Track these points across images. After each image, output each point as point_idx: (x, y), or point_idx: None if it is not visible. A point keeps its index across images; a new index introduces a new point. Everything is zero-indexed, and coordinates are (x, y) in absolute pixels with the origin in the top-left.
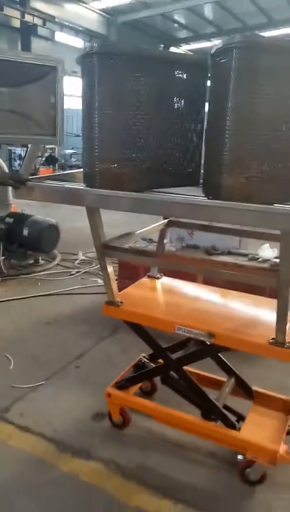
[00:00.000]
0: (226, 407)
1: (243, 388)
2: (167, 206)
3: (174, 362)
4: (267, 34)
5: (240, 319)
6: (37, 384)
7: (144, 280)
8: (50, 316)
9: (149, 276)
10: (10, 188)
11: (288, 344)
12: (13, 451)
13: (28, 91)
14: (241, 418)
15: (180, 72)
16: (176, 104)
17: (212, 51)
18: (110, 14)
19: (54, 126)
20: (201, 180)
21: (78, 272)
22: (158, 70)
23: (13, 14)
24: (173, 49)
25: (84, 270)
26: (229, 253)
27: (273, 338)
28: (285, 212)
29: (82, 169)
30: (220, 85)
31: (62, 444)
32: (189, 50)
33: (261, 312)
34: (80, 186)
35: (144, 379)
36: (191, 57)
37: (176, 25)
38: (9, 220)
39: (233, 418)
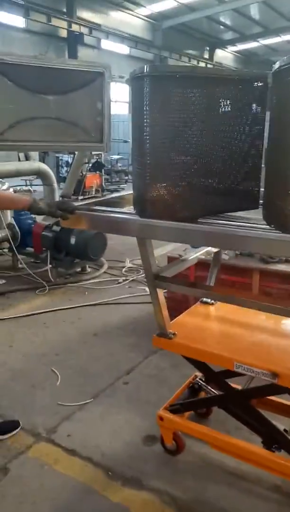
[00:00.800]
0: None
1: None
2: (220, 238)
3: (238, 395)
4: None
5: None
6: (84, 402)
7: (198, 306)
8: (97, 327)
9: (202, 302)
10: (56, 196)
11: None
12: (60, 478)
13: (74, 98)
14: None
15: (233, 88)
16: (230, 122)
17: (275, 67)
18: (155, 19)
19: (101, 133)
20: (261, 202)
21: (125, 280)
22: (210, 88)
23: (60, 24)
24: (218, 51)
25: (132, 278)
26: (288, 261)
27: None
28: None
29: (132, 192)
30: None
31: (111, 471)
32: (235, 52)
33: None
34: (129, 213)
35: (201, 407)
36: (246, 73)
37: (221, 27)
38: (56, 228)
39: None
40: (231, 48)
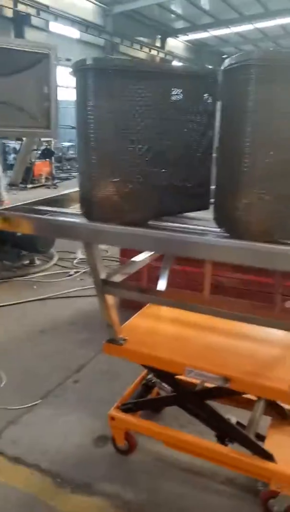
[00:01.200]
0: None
1: (275, 408)
2: (171, 245)
3: (192, 395)
4: (264, 24)
5: (258, 357)
6: (32, 404)
7: (151, 306)
8: (46, 323)
9: None
10: (2, 184)
11: None
12: (2, 489)
13: (19, 81)
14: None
15: (183, 83)
16: (180, 118)
17: (225, 64)
18: (106, 4)
19: (48, 118)
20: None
21: (77, 272)
22: (159, 82)
23: (6, 3)
24: (170, 40)
25: (84, 270)
26: None
27: None
28: None
29: (77, 190)
30: (235, 101)
31: (60, 477)
32: (187, 41)
33: (281, 347)
34: (75, 215)
35: (155, 407)
36: (196, 69)
37: (173, 15)
38: None
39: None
40: (183, 38)
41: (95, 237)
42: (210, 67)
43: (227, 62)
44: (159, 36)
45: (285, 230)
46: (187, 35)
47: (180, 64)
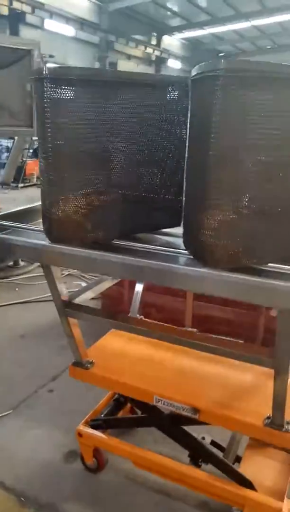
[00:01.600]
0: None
1: None
2: (129, 270)
3: (165, 419)
4: (261, 22)
5: (231, 385)
6: (1, 415)
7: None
8: (26, 328)
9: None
10: None
11: (287, 426)
12: None
13: None
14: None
15: (148, 93)
16: (146, 128)
17: (193, 73)
18: (101, 1)
19: (31, 116)
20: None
21: (61, 275)
22: (121, 92)
23: (1, 1)
24: (166, 38)
25: (68, 273)
26: None
27: (268, 417)
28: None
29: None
30: (202, 111)
31: (24, 496)
32: (183, 39)
33: (255, 374)
34: (38, 231)
35: (125, 427)
36: (160, 77)
37: (169, 12)
38: None
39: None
40: (179, 35)
41: (49, 259)
42: (176, 76)
43: (194, 71)
44: (155, 34)
45: (254, 254)
46: (183, 32)
47: (151, 72)
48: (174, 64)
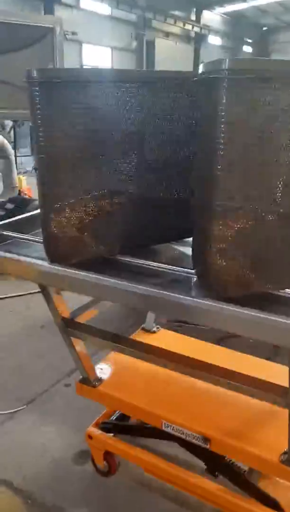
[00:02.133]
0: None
1: None
2: (128, 299)
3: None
4: None
5: (246, 411)
6: (16, 409)
7: (138, 333)
8: (48, 317)
9: (143, 329)
10: (14, 170)
11: None
12: None
13: (21, 58)
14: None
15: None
16: (151, 128)
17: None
18: None
19: None
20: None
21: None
22: (120, 90)
23: None
24: (205, 13)
25: None
26: None
27: (285, 452)
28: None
29: None
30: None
31: (31, 498)
32: (224, 14)
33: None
34: (36, 248)
35: (137, 435)
36: (172, 74)
37: None
38: (10, 206)
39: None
40: (219, 10)
41: (44, 279)
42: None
43: (200, 69)
44: (194, 9)
45: (269, 276)
46: (224, 6)
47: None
48: (214, 41)
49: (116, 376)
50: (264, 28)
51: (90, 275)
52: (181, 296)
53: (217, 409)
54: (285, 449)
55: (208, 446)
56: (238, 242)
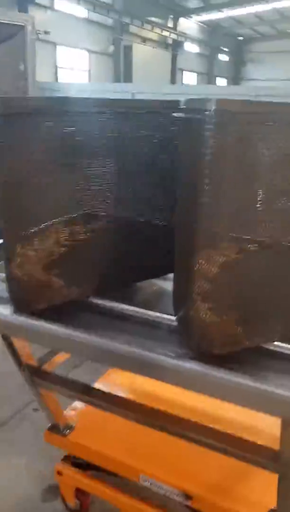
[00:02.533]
0: None
1: None
2: (104, 357)
3: None
4: (282, 4)
5: (231, 466)
6: None
7: (112, 372)
8: None
9: None
10: None
11: None
12: None
13: None
14: None
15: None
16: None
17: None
18: None
19: None
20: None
21: None
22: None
23: None
24: (183, 21)
25: None
26: None
27: (273, 510)
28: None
29: None
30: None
31: None
32: (201, 22)
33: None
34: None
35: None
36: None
37: None
38: None
39: None
40: (196, 18)
41: (6, 330)
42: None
43: (182, 103)
44: (171, 16)
45: (260, 330)
46: (201, 15)
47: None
48: (191, 48)
49: (89, 421)
50: (240, 38)
51: (58, 328)
52: (159, 357)
53: (199, 461)
54: (273, 507)
55: (189, 504)
56: (221, 283)
